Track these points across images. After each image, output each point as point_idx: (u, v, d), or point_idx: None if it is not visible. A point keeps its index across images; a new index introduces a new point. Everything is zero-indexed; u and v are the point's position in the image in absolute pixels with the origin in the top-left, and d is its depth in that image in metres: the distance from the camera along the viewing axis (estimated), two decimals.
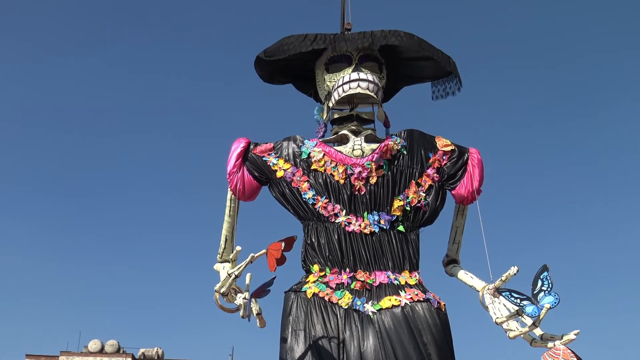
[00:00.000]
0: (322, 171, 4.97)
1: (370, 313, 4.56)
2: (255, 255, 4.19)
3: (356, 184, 4.89)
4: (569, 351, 4.20)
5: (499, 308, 4.46)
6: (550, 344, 4.29)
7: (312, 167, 4.99)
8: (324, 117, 5.32)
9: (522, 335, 4.34)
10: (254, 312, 4.07)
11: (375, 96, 5.08)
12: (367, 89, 5.02)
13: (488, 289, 4.62)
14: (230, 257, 4.83)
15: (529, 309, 4.15)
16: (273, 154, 5.12)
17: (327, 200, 4.90)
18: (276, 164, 5.07)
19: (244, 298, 4.13)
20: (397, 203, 4.91)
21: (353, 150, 4.99)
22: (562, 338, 4.28)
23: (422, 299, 4.62)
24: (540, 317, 4.13)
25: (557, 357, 4.18)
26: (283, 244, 4.23)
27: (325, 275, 4.74)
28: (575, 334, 4.27)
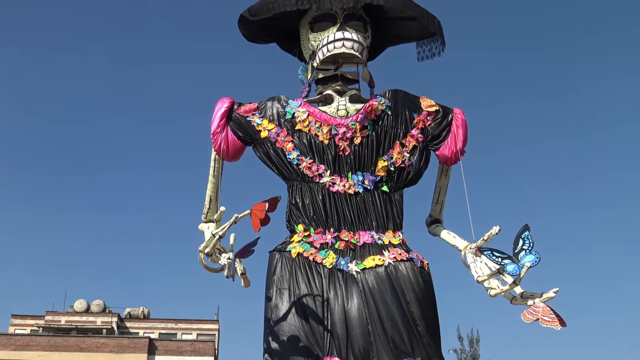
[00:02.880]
0: (307, 131, 4.95)
1: (354, 272, 4.60)
2: (239, 215, 4.20)
3: (340, 144, 4.88)
4: (548, 309, 4.27)
5: (481, 267, 4.51)
6: (530, 302, 4.35)
7: (297, 128, 4.98)
8: (308, 77, 5.28)
9: (502, 294, 4.40)
10: (238, 272, 4.09)
11: (360, 56, 5.03)
12: (352, 48, 4.97)
13: (470, 248, 4.66)
14: (215, 217, 4.83)
15: (510, 267, 4.20)
16: (257, 114, 5.08)
17: (312, 160, 4.90)
18: (260, 124, 5.04)
19: (228, 258, 4.15)
20: (381, 163, 4.91)
21: (337, 110, 4.97)
22: (541, 296, 4.35)
23: (405, 259, 4.66)
24: (521, 275, 4.19)
25: (536, 314, 4.25)
26: (267, 205, 4.23)
27: (309, 235, 4.77)
28: (554, 292, 4.33)
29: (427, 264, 4.76)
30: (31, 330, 38.63)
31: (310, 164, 4.89)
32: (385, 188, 4.89)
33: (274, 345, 4.46)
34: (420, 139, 5.04)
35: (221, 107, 5.08)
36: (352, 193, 4.83)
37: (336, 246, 4.72)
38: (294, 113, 5.01)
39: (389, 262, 4.61)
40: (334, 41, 4.98)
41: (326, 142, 4.89)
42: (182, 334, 41.01)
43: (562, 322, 4.22)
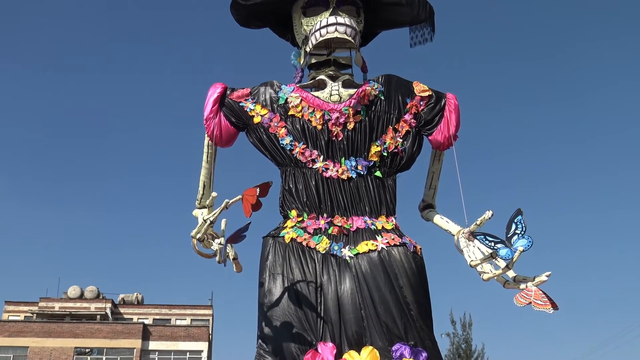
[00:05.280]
0: (300, 117, 4.93)
1: (347, 257, 4.61)
2: (230, 201, 4.19)
3: (333, 129, 4.87)
4: (541, 292, 4.30)
5: (474, 251, 4.52)
6: (522, 286, 4.38)
7: (290, 113, 4.96)
8: (301, 62, 5.25)
9: (495, 277, 4.42)
10: (230, 257, 4.08)
11: (352, 41, 5.00)
12: (345, 33, 4.94)
13: (463, 232, 4.67)
14: (207, 203, 4.82)
15: (503, 251, 4.22)
16: (250, 100, 5.06)
17: (305, 146, 4.88)
18: (253, 110, 5.02)
19: (220, 243, 4.15)
20: (374, 149, 4.91)
21: (330, 95, 4.95)
22: (534, 279, 4.37)
23: (398, 243, 4.67)
24: (514, 259, 4.20)
25: (529, 297, 4.27)
26: (258, 190, 4.21)
27: (303, 221, 4.77)
28: (547, 276, 4.36)
29: (420, 248, 4.77)
30: (25, 316, 38.58)
31: (303, 149, 4.88)
32: (378, 173, 4.89)
33: (267, 330, 4.48)
34: (413, 124, 5.03)
35: (214, 92, 5.05)
36: (345, 178, 4.83)
37: (329, 231, 4.72)
38: (287, 98, 4.99)
39: (382, 247, 4.62)
40: (327, 26, 4.95)
41: (319, 127, 4.88)
42: (176, 319, 41.06)
43: (555, 306, 4.24)
